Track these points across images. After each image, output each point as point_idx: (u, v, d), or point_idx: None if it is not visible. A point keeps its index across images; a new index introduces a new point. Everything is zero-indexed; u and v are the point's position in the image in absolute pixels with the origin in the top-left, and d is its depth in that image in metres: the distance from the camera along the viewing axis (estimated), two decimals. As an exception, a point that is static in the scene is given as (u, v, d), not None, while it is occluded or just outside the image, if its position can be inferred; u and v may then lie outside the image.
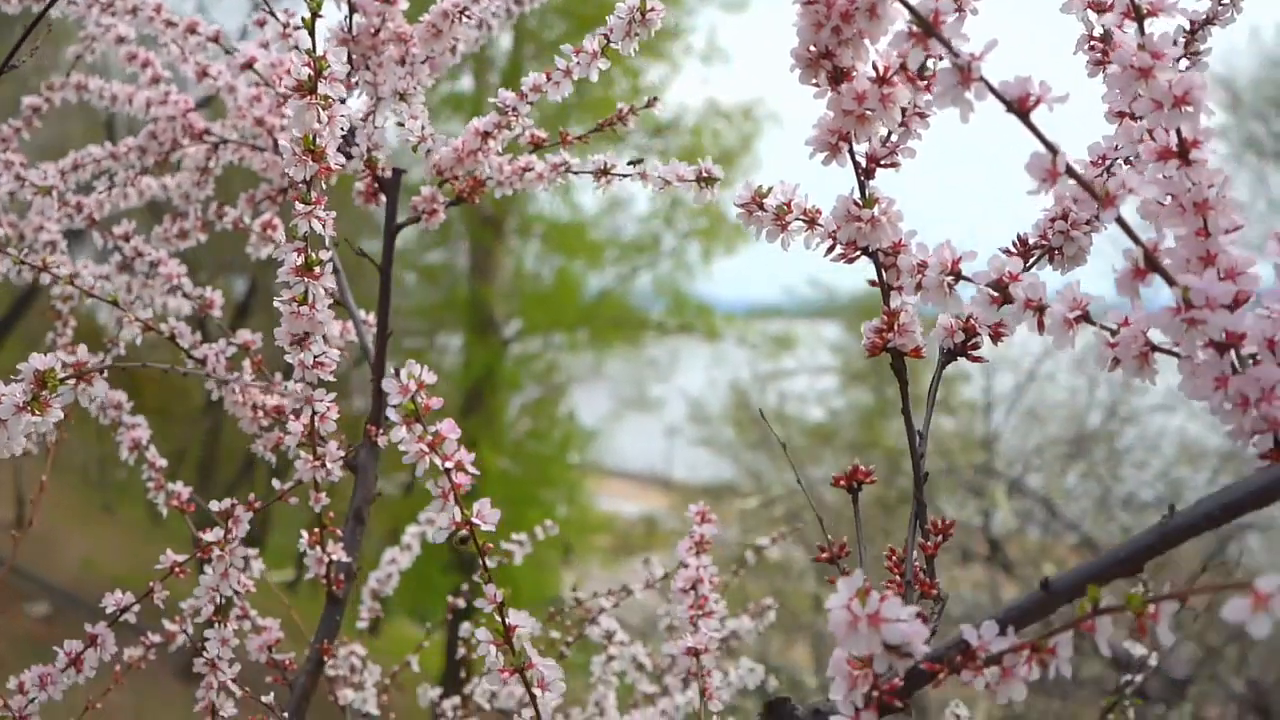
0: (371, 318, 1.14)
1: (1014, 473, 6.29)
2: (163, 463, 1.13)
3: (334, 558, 1.00)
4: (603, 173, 0.99)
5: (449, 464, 0.64)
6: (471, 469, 0.64)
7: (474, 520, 0.64)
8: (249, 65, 1.09)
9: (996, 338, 0.69)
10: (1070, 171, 0.52)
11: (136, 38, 1.27)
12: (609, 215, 13.00)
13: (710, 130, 10.63)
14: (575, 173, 1.00)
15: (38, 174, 1.18)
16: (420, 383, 0.63)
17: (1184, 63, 0.74)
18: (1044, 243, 0.71)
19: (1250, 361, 0.53)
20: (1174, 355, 0.55)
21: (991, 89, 0.52)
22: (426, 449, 0.63)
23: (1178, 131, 0.55)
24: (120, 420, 1.14)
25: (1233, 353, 0.54)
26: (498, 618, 0.66)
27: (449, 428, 0.64)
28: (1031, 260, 0.71)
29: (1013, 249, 0.71)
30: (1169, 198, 0.55)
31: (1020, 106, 0.52)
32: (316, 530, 0.98)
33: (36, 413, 0.69)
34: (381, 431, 0.99)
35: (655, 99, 1.02)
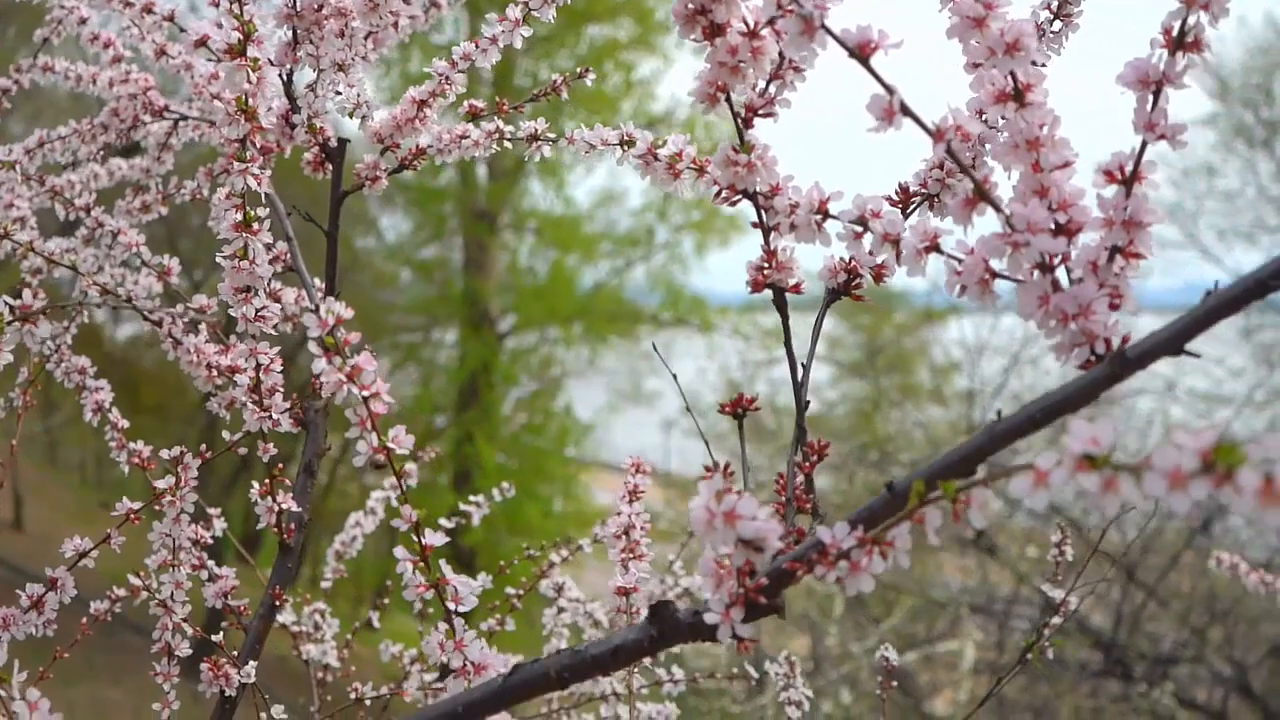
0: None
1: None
2: (125, 424, 1.18)
3: (284, 507, 1.05)
4: (533, 138, 1.04)
5: (367, 393, 0.69)
6: (388, 398, 0.69)
7: (390, 445, 0.70)
8: (202, 43, 1.14)
9: (878, 278, 0.75)
10: (904, 109, 0.57)
11: (100, 19, 1.32)
12: (603, 209, 13.06)
13: (703, 122, 10.67)
14: (510, 139, 1.06)
15: (2, 150, 1.23)
16: (339, 318, 0.69)
17: (1057, 24, 0.79)
18: (923, 190, 0.76)
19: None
20: (1012, 280, 0.61)
21: (834, 36, 0.57)
22: (345, 379, 0.69)
23: (1012, 75, 0.60)
24: (84, 384, 1.19)
25: (1063, 274, 0.60)
26: (414, 537, 0.72)
27: (366, 360, 0.69)
28: (913, 206, 0.76)
29: (894, 197, 0.76)
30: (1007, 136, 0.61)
31: (862, 52, 0.57)
32: (267, 481, 1.04)
33: (-13, 355, 0.74)
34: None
35: (588, 70, 1.08)
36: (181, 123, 1.27)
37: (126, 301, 1.06)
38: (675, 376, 0.90)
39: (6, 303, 0.74)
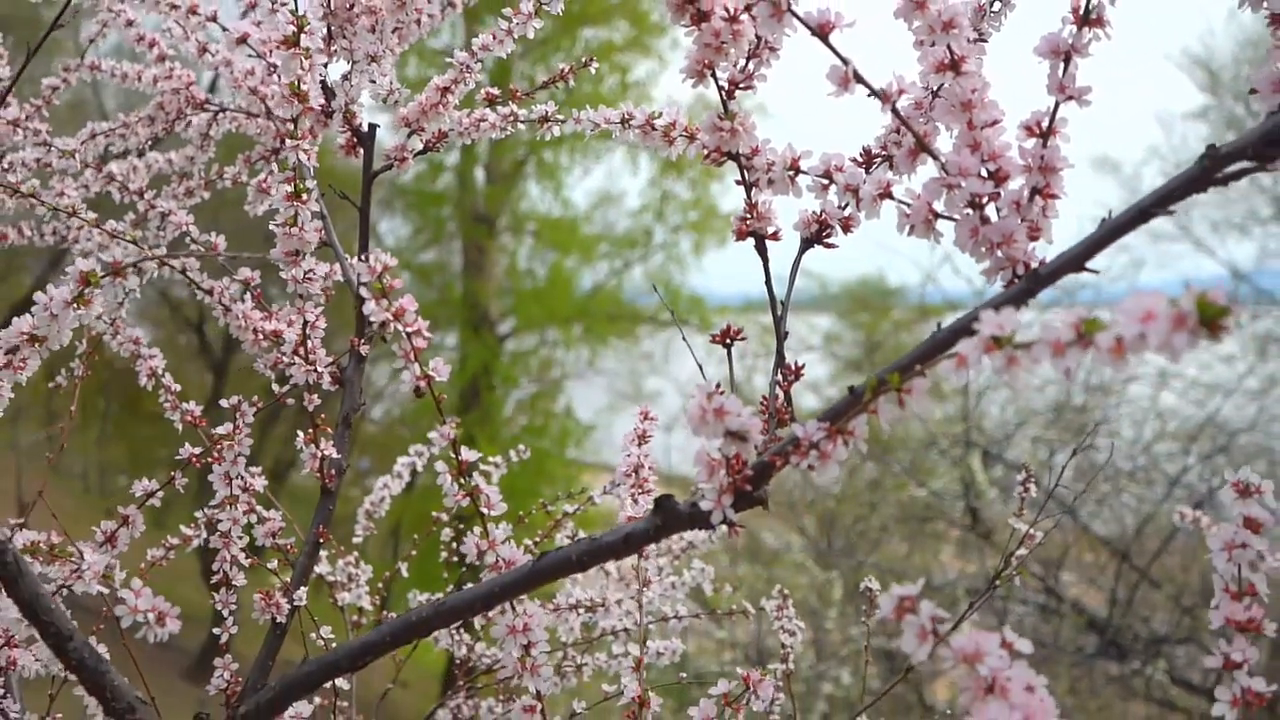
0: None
1: (995, 446, 6.48)
2: (177, 387, 1.30)
3: (326, 454, 1.17)
4: (544, 119, 1.17)
5: (410, 330, 0.82)
6: (427, 334, 0.82)
7: (431, 373, 0.82)
8: (243, 40, 1.26)
9: (846, 229, 0.87)
10: (858, 78, 0.69)
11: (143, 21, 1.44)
12: (600, 210, 13.18)
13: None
14: (522, 122, 1.18)
15: (61, 141, 1.36)
16: (386, 265, 0.81)
17: (997, 4, 0.91)
18: (884, 152, 0.88)
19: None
20: (949, 218, 0.73)
21: (798, 18, 0.70)
22: (392, 317, 0.81)
23: (949, 48, 0.73)
24: (139, 353, 1.32)
25: (993, 211, 0.72)
26: (452, 454, 0.84)
27: (409, 302, 0.82)
28: (875, 165, 0.89)
29: (859, 158, 0.89)
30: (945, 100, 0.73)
31: (822, 31, 0.70)
32: (311, 430, 1.16)
33: (81, 306, 0.87)
34: (365, 343, 1.17)
35: (591, 59, 1.20)
36: (221, 114, 1.40)
37: (182, 272, 1.18)
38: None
39: (99, 258, 0.86)
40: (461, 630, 1.70)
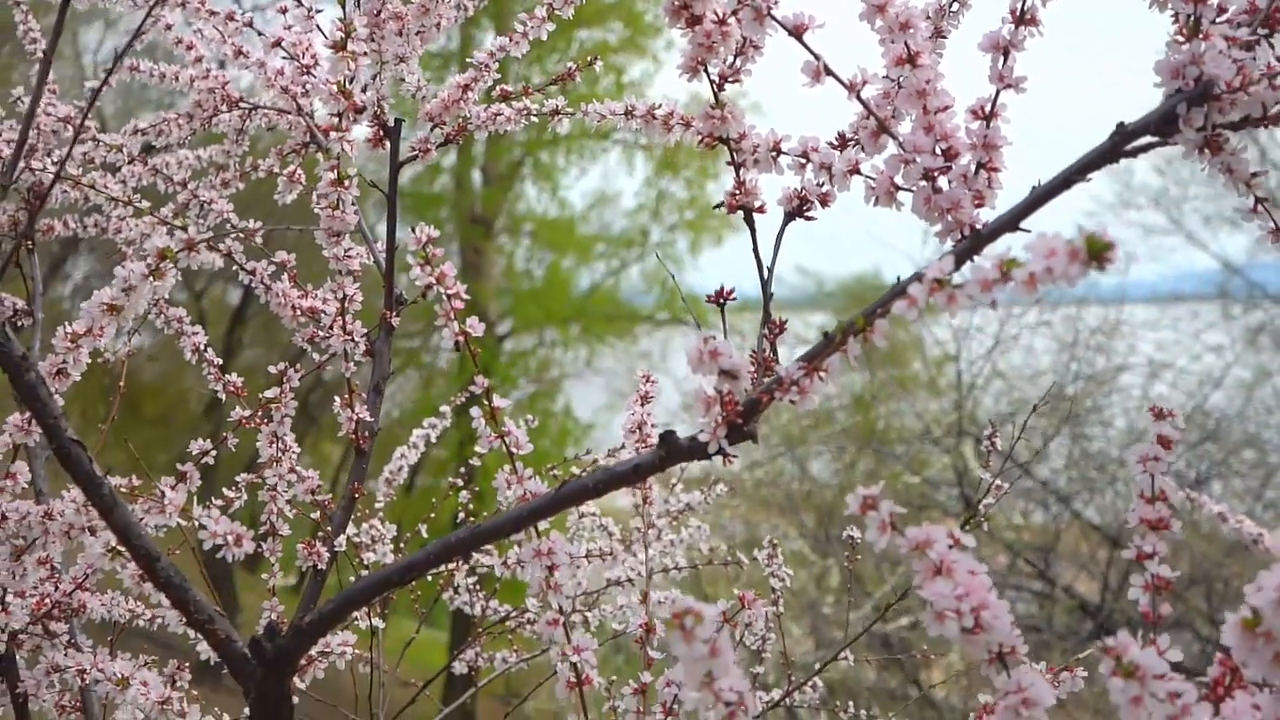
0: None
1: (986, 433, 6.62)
2: (219, 361, 1.43)
3: (360, 417, 1.30)
4: (555, 113, 1.30)
5: (450, 292, 0.94)
6: (464, 295, 0.94)
7: (467, 329, 0.95)
8: (277, 44, 1.39)
9: (824, 203, 1.00)
10: (828, 71, 0.82)
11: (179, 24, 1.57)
12: (597, 210, 13.31)
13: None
14: (535, 115, 1.31)
15: (108, 137, 1.48)
16: (430, 237, 0.94)
17: (955, 5, 1.04)
18: (854, 136, 1.01)
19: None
20: (908, 190, 0.86)
21: (777, 21, 0.82)
22: (434, 281, 0.94)
23: (906, 45, 0.86)
24: (182, 330, 1.44)
25: (944, 182, 0.85)
26: (486, 402, 0.97)
27: (449, 268, 0.95)
28: (848, 147, 1.01)
29: (834, 142, 1.01)
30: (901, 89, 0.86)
31: (797, 31, 0.83)
32: (348, 395, 1.29)
33: (157, 279, 0.99)
34: (395, 315, 1.30)
35: (596, 58, 1.33)
36: (254, 111, 1.52)
37: (227, 255, 1.31)
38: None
39: (171, 232, 0.99)
40: (478, 590, 1.83)
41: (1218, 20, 0.79)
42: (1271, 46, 0.78)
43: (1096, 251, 0.59)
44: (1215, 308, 9.07)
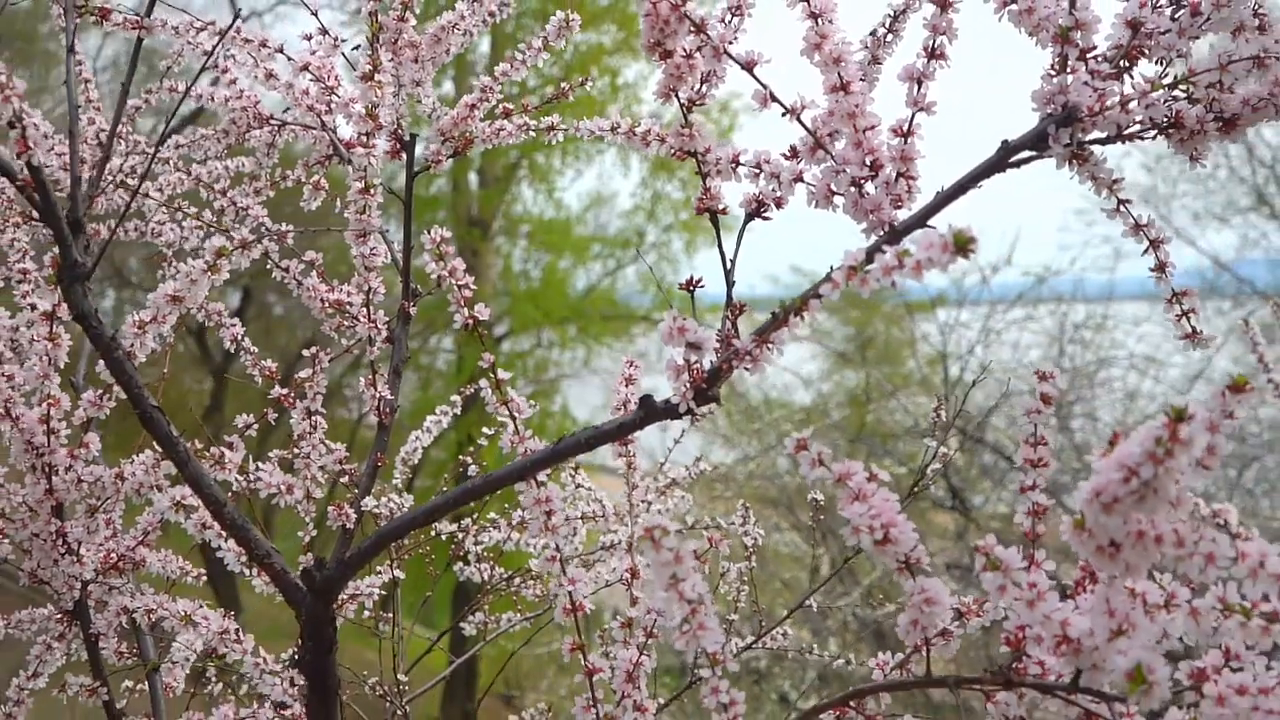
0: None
1: (974, 427, 6.81)
2: (255, 349, 1.61)
3: (383, 395, 1.48)
4: (551, 128, 1.48)
5: (460, 283, 1.13)
6: (473, 285, 1.13)
7: (476, 315, 1.13)
8: (304, 68, 1.58)
9: (778, 205, 1.18)
10: (773, 97, 1.01)
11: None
12: (593, 211, 13.49)
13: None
14: (534, 130, 1.49)
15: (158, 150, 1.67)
16: (444, 238, 1.12)
17: (890, 36, 1.23)
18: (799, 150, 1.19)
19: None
20: (841, 195, 1.05)
21: (731, 57, 1.01)
22: (446, 274, 1.12)
23: (838, 75, 1.04)
24: (221, 322, 1.63)
25: (870, 187, 1.03)
26: (492, 374, 1.15)
27: (460, 262, 1.13)
28: (797, 159, 1.20)
29: (787, 153, 1.20)
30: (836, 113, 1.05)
31: (748, 66, 1.01)
32: (371, 376, 1.47)
33: (214, 273, 1.18)
34: (412, 305, 1.48)
35: (588, 78, 1.52)
36: (283, 128, 1.71)
37: (264, 254, 1.49)
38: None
39: (228, 235, 1.17)
40: (481, 561, 2.02)
41: (1090, 54, 0.98)
42: (1131, 76, 0.97)
43: (962, 244, 0.78)
44: (1206, 304, 9.26)
